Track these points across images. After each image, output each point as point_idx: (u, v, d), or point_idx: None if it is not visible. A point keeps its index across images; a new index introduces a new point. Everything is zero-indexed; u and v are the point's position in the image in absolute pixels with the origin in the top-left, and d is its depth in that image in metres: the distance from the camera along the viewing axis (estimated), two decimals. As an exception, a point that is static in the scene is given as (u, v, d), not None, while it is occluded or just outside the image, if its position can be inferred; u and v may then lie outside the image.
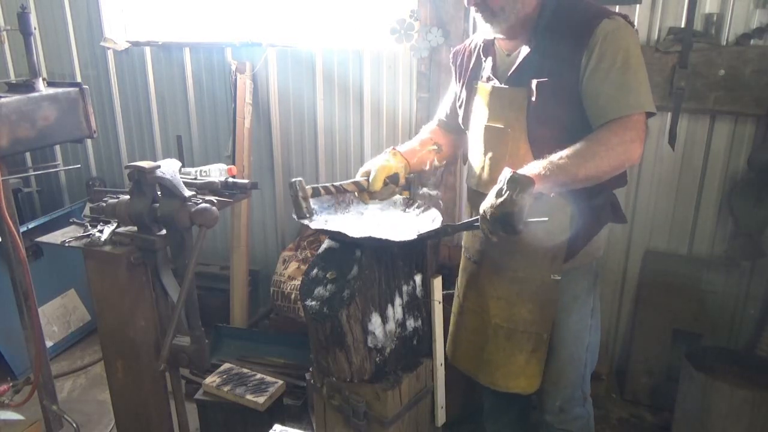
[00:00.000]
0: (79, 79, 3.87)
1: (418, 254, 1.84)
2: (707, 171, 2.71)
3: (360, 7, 3.20)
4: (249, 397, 2.42)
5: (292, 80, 3.39)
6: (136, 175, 1.73)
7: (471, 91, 1.85)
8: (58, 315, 3.45)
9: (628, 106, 1.52)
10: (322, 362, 1.82)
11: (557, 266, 1.71)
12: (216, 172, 2.20)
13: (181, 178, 1.79)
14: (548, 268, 1.71)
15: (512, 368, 1.80)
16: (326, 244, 1.86)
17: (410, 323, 1.84)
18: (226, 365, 2.66)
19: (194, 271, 1.75)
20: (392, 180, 1.88)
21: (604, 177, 1.53)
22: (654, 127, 2.67)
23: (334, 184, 1.83)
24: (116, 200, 1.80)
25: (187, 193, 1.74)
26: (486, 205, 1.50)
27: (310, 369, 1.97)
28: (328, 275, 1.74)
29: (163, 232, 1.78)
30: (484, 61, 1.81)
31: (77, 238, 1.86)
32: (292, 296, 3.09)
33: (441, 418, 1.99)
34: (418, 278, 1.86)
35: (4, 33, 3.82)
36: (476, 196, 1.78)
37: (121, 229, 1.84)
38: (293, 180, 1.75)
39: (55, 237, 1.91)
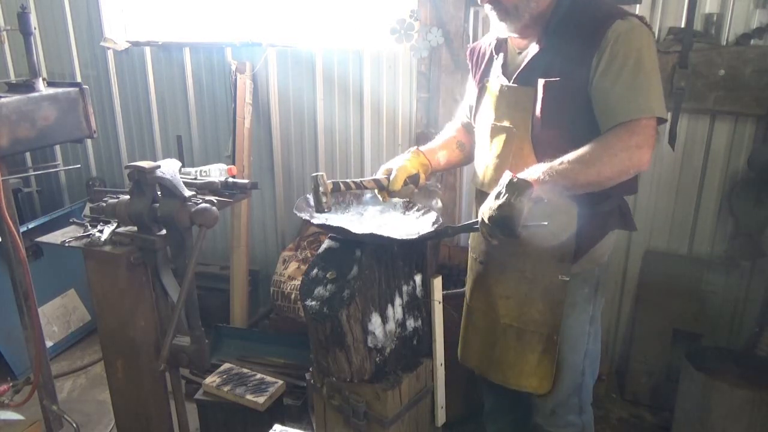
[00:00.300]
0: (79, 79, 3.87)
1: (418, 254, 1.84)
2: (707, 171, 2.71)
3: (360, 7, 3.20)
4: (249, 397, 2.42)
5: (292, 80, 3.39)
6: (136, 175, 1.73)
7: (482, 89, 1.82)
8: (58, 315, 3.45)
9: (636, 110, 1.47)
10: (322, 362, 1.82)
11: (565, 267, 1.67)
12: (216, 172, 2.20)
13: (181, 178, 1.79)
14: (556, 268, 1.68)
15: (525, 367, 1.77)
16: (326, 244, 1.86)
17: (410, 323, 1.84)
18: (226, 365, 2.66)
19: (194, 271, 1.75)
20: (412, 180, 1.86)
21: (607, 183, 1.50)
22: (654, 127, 2.67)
23: (355, 180, 1.83)
24: (116, 200, 1.80)
25: (187, 193, 1.74)
26: (485, 207, 1.49)
27: (310, 369, 1.97)
28: (328, 275, 1.74)
29: (163, 232, 1.78)
30: (496, 58, 1.78)
31: (77, 238, 1.86)
32: (292, 296, 3.09)
33: (441, 418, 1.99)
34: (418, 278, 1.86)
35: (4, 33, 3.82)
36: (481, 196, 1.76)
37: (121, 229, 1.84)
38: (315, 174, 1.75)
39: (55, 237, 1.91)
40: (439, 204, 2.87)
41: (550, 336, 1.73)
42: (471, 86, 1.96)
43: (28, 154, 4.01)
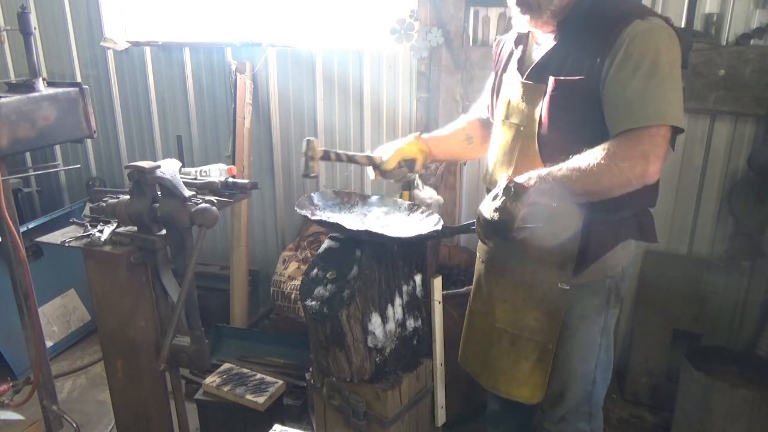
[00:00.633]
0: (79, 79, 3.87)
1: (418, 254, 1.84)
2: (707, 171, 2.71)
3: (360, 7, 3.20)
4: (249, 397, 2.42)
5: (292, 80, 3.39)
6: (136, 175, 1.73)
7: (499, 84, 1.78)
8: (58, 315, 3.45)
9: (645, 117, 1.37)
10: (322, 362, 1.82)
11: (566, 275, 1.60)
12: (216, 172, 2.20)
13: (181, 178, 1.79)
14: (556, 275, 1.61)
15: (517, 375, 1.72)
16: (326, 244, 1.86)
17: (410, 323, 1.84)
18: (226, 365, 2.66)
19: (194, 271, 1.75)
20: (408, 165, 1.85)
21: (609, 193, 1.42)
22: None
23: (347, 152, 1.84)
24: (116, 200, 1.80)
25: (187, 193, 1.74)
26: (481, 208, 1.48)
27: (310, 369, 1.97)
28: (328, 275, 1.74)
29: (163, 232, 1.78)
30: (515, 51, 1.73)
31: (77, 238, 1.86)
32: (292, 296, 3.09)
33: (441, 418, 1.99)
34: (418, 278, 1.86)
35: (4, 33, 3.82)
36: (488, 192, 1.72)
37: (121, 229, 1.84)
38: (308, 138, 1.76)
39: (55, 237, 1.91)
40: (441, 201, 2.85)
41: (546, 345, 1.66)
42: (490, 80, 1.90)
43: (28, 154, 4.01)
